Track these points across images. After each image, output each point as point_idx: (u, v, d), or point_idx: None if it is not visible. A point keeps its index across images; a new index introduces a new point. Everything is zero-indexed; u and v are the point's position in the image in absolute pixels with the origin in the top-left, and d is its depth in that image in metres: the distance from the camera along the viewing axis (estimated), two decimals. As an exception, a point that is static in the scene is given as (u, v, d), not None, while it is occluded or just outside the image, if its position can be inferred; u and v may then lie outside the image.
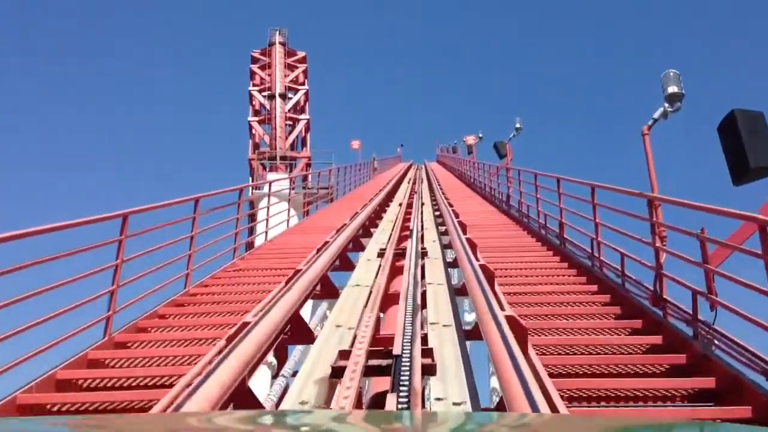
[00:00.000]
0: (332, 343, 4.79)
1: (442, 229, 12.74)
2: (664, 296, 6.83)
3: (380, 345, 4.56)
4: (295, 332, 5.49)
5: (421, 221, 13.17)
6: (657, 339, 6.20)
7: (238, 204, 11.49)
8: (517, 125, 21.72)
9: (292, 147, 35.55)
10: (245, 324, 3.93)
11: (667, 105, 8.92)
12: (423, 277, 7.25)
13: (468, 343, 5.47)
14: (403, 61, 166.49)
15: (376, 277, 7.30)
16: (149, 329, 7.33)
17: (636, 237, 7.62)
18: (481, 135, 31.91)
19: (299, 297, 5.17)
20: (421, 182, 29.93)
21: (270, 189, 15.76)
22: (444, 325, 5.32)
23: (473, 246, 7.15)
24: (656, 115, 9.00)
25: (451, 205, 13.41)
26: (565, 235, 10.66)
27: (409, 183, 28.26)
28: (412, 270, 7.21)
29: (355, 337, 4.87)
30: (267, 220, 13.83)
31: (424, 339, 4.69)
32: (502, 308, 4.12)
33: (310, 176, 27.75)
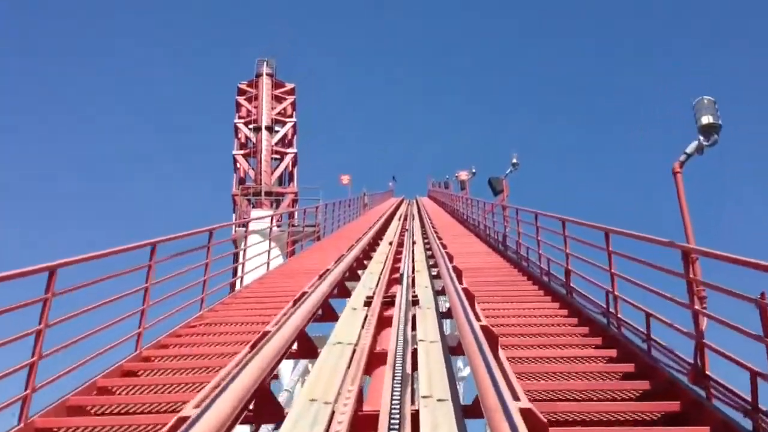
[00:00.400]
0: (304, 426, 3.95)
1: (435, 271, 11.91)
2: (707, 372, 5.63)
3: (362, 428, 3.99)
4: (260, 408, 4.59)
5: (412, 263, 12.36)
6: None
7: (208, 247, 10.55)
8: (514, 161, 21.57)
9: (280, 182, 34.45)
10: (181, 421, 3.04)
11: (701, 138, 8.02)
12: (414, 328, 6.50)
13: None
14: (396, 96, 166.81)
15: (361, 331, 6.50)
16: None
17: (668, 296, 6.15)
18: (474, 170, 31.40)
19: (263, 370, 4.29)
20: (413, 219, 29.19)
21: (248, 228, 14.87)
22: (439, 400, 4.46)
23: (471, 298, 6.32)
24: (690, 149, 8.01)
25: (444, 246, 12.60)
26: (572, 284, 9.67)
27: (400, 219, 27.51)
28: (401, 324, 6.44)
29: (332, 416, 4.08)
30: (242, 264, 12.94)
31: (415, 419, 3.99)
32: (515, 395, 3.28)
33: (296, 213, 26.50)
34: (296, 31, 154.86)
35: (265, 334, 5.08)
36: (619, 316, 7.44)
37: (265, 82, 35.98)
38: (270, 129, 34.71)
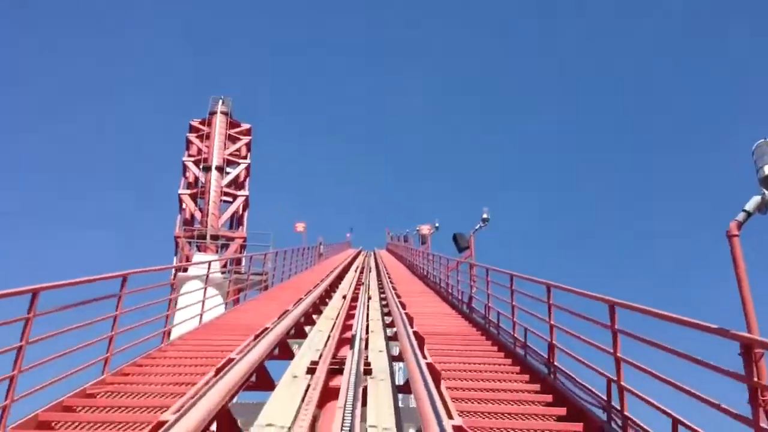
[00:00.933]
0: None
1: (391, 331, 10.71)
2: (626, 413, 5.97)
3: None
4: None
5: (367, 321, 11.14)
6: None
7: (119, 296, 8.94)
8: (485, 215, 20.50)
9: (231, 225, 32.58)
10: None
11: (766, 192, 6.52)
12: (365, 403, 5.42)
13: None
14: (357, 144, 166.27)
15: (299, 408, 5.25)
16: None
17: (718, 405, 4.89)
18: (437, 224, 30.39)
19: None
20: (369, 271, 27.93)
21: (175, 273, 13.39)
22: None
23: (437, 377, 5.13)
24: (750, 206, 6.54)
25: (402, 305, 11.40)
26: (556, 363, 8.22)
27: (356, 272, 26.25)
28: (349, 400, 5.23)
29: None
30: (168, 316, 11.31)
31: None
32: None
33: (243, 259, 24.68)
34: (257, 73, 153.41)
35: (161, 424, 3.74)
36: (627, 414, 6.19)
37: (219, 121, 34.25)
38: (221, 169, 32.88)
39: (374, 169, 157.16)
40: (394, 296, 13.51)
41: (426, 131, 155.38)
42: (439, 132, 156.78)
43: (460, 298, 15.92)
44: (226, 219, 32.09)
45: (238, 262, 24.46)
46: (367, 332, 10.20)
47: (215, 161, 32.56)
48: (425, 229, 33.07)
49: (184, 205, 31.76)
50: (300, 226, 39.18)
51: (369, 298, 15.59)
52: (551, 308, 8.56)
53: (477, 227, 19.59)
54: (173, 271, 16.24)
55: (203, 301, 12.78)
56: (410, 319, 9.15)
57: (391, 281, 18.71)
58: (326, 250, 38.14)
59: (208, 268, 13.98)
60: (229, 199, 33.23)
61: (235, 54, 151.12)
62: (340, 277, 23.25)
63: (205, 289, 13.14)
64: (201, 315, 12.59)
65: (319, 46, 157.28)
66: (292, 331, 10.71)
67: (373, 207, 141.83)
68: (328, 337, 9.61)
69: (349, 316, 12.99)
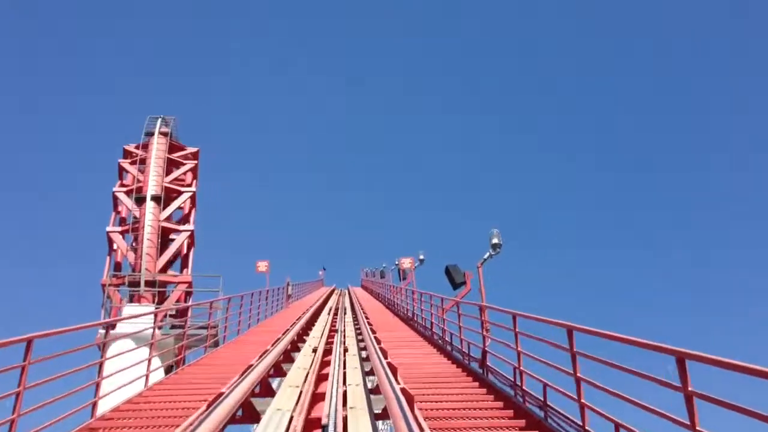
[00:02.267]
0: None
1: (378, 407, 7.97)
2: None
3: None
4: None
5: (344, 388, 8.44)
6: None
7: (23, 368, 6.55)
8: (495, 240, 15.41)
9: (172, 266, 27.63)
10: None
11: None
12: None
13: None
14: (327, 176, 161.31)
15: None
16: None
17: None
18: (422, 257, 27.18)
19: None
20: (345, 313, 25.05)
21: (107, 331, 10.43)
22: None
23: None
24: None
25: (393, 369, 8.64)
26: None
27: (329, 314, 23.37)
28: None
29: None
30: (92, 386, 8.46)
31: None
32: None
33: (190, 309, 20.32)
34: (206, 97, 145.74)
35: None
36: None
37: (157, 143, 28.85)
38: (159, 200, 27.05)
39: (348, 198, 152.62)
40: (378, 350, 10.70)
41: (404, 153, 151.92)
42: (420, 156, 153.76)
43: (461, 348, 12.74)
44: (167, 260, 26.60)
45: (183, 313, 20.59)
46: (344, 407, 7.51)
47: (151, 190, 27.10)
48: (406, 262, 30.03)
49: (115, 246, 26.36)
50: (262, 265, 34.30)
51: (345, 350, 12.85)
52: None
53: (487, 256, 14.78)
54: (103, 329, 13.01)
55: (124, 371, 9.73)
56: (408, 398, 6.44)
57: (370, 325, 15.89)
58: (295, 290, 34.89)
59: (157, 320, 11.08)
60: (173, 236, 28.11)
61: (184, 73, 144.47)
62: (311, 323, 20.39)
63: (133, 349, 10.11)
64: (125, 386, 9.59)
65: (297, 63, 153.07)
66: (239, 412, 7.91)
67: (347, 241, 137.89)
68: (290, 421, 6.90)
69: (321, 377, 10.25)
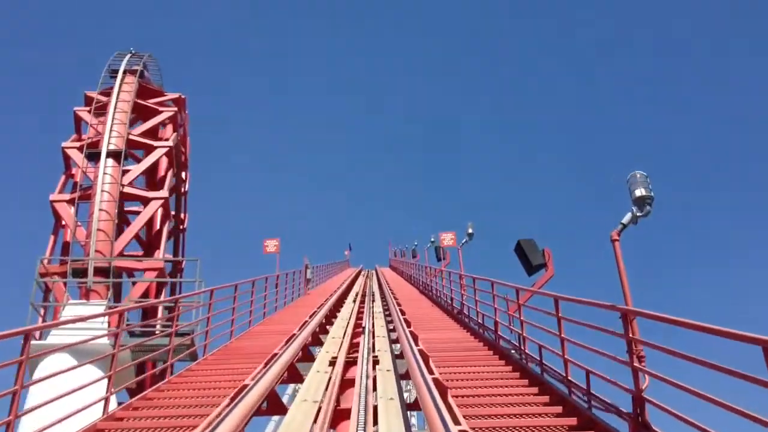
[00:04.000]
0: None
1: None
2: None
3: None
4: None
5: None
6: None
7: None
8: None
9: (147, 248, 21.35)
10: None
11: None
12: None
13: None
14: (351, 148, 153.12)
15: None
16: None
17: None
18: (471, 230, 21.78)
19: None
20: (372, 300, 21.46)
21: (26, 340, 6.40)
22: None
23: None
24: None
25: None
26: None
27: (355, 302, 19.81)
28: None
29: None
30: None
31: None
32: None
33: (161, 308, 16.00)
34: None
35: None
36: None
37: (123, 83, 22.15)
38: (118, 156, 19.71)
39: (375, 169, 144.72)
40: (425, 382, 6.95)
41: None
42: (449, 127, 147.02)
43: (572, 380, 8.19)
44: (130, 239, 19.61)
45: (152, 312, 16.13)
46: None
47: (106, 142, 19.70)
48: (447, 238, 25.51)
49: (63, 223, 19.67)
50: (271, 245, 27.51)
51: (375, 362, 9.26)
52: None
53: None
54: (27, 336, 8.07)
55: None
56: None
57: (405, 323, 11.99)
58: (316, 274, 31.10)
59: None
60: (137, 207, 21.72)
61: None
62: (333, 312, 16.89)
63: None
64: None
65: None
66: None
67: (375, 217, 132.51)
68: None
69: (341, 414, 6.68)
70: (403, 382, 9.17)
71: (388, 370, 8.69)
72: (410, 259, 40.44)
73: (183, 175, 25.99)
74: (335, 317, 16.37)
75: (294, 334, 10.16)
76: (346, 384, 7.93)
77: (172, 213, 24.77)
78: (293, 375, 9.32)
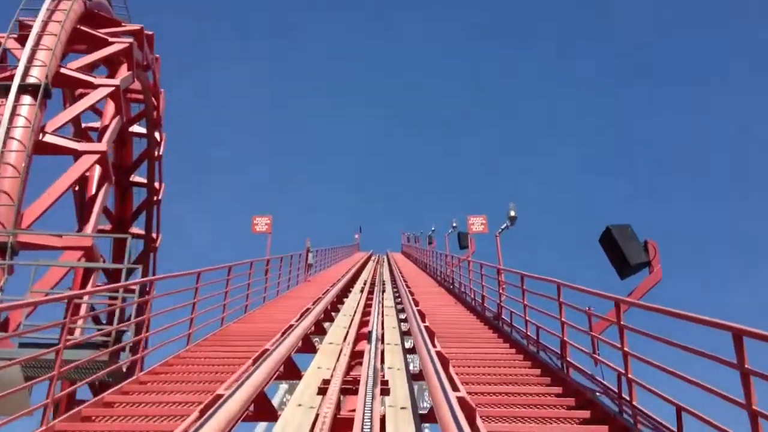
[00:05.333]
0: None
1: None
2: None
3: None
4: None
5: None
6: None
7: None
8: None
9: (81, 218, 17.58)
10: None
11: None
12: None
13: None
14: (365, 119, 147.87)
15: None
16: None
17: None
18: (513, 212, 17.17)
19: None
20: (383, 291, 18.55)
21: None
22: None
23: None
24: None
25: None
26: None
27: (362, 293, 16.97)
28: None
29: None
30: None
31: None
32: None
33: (84, 307, 11.56)
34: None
35: None
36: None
37: (60, 2, 17.70)
38: (34, 91, 15.11)
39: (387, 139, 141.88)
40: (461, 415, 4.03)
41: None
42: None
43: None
44: (48, 206, 14.55)
45: (75, 310, 11.56)
46: None
47: (22, 74, 15.37)
48: (477, 223, 21.97)
49: None
50: (262, 223, 22.31)
51: (383, 390, 6.45)
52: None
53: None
54: None
55: None
56: None
57: (424, 330, 8.97)
58: (318, 258, 27.77)
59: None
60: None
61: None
62: (335, 306, 14.11)
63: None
64: None
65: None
66: None
67: (389, 199, 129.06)
68: None
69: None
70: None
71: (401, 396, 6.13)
72: (425, 245, 37.40)
73: (157, 135, 22.71)
74: (337, 310, 13.76)
75: (267, 350, 7.29)
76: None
77: (142, 180, 21.70)
78: (267, 408, 6.51)
